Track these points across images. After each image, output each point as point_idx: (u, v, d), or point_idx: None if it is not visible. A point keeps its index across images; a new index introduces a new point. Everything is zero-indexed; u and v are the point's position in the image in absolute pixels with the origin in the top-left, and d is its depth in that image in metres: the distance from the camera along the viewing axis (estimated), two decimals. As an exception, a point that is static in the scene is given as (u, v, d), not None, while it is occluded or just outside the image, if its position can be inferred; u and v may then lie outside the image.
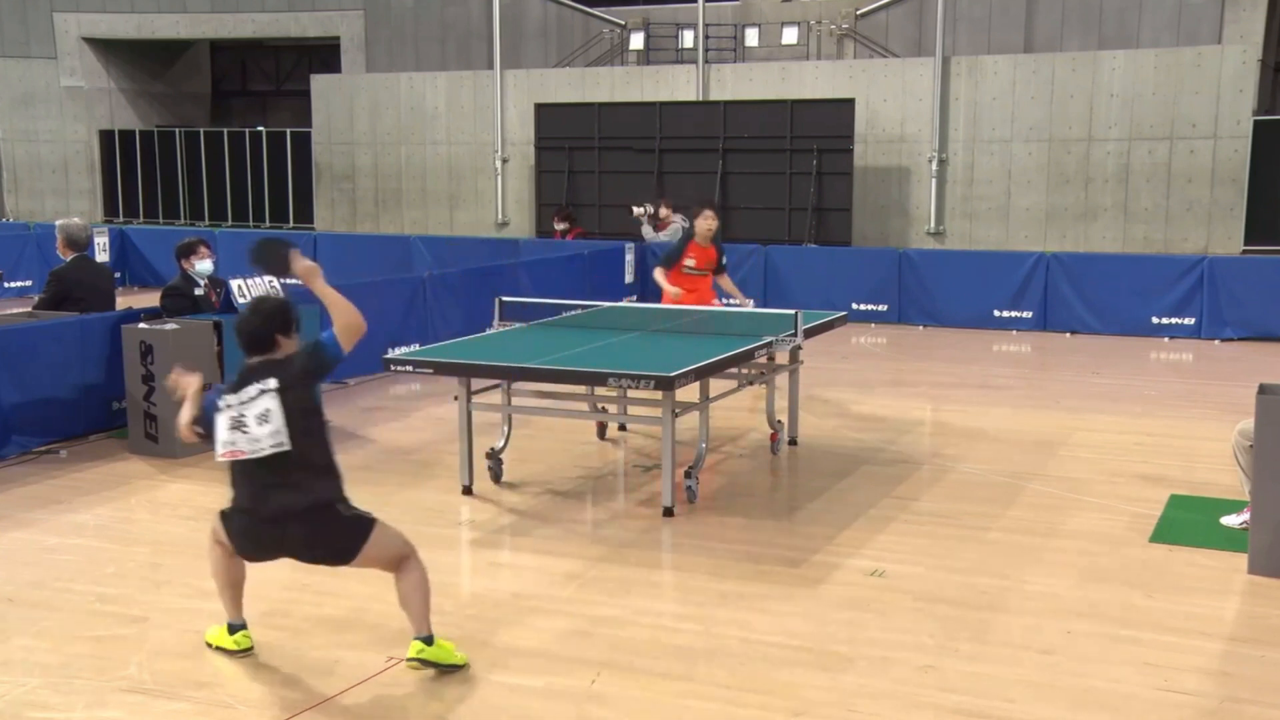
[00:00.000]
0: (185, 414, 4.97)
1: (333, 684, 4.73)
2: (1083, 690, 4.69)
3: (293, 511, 4.69)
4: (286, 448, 4.61)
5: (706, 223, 10.18)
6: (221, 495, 7.78)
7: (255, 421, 4.63)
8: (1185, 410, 9.88)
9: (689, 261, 10.13)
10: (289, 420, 4.62)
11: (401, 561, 4.81)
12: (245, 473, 4.76)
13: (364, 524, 4.78)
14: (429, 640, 4.77)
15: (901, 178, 20.86)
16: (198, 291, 9.19)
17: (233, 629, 4.99)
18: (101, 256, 16.41)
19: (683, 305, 9.91)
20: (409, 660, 4.78)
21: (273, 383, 4.63)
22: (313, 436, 4.74)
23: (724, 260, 10.38)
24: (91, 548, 6.46)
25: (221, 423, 4.70)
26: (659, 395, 6.80)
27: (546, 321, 8.74)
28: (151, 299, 9.71)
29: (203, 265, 9.25)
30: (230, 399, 4.70)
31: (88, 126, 28.50)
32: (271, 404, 4.61)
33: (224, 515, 4.99)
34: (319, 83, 25.66)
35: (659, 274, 10.10)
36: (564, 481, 7.76)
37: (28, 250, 17.24)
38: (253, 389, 4.64)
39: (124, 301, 10.97)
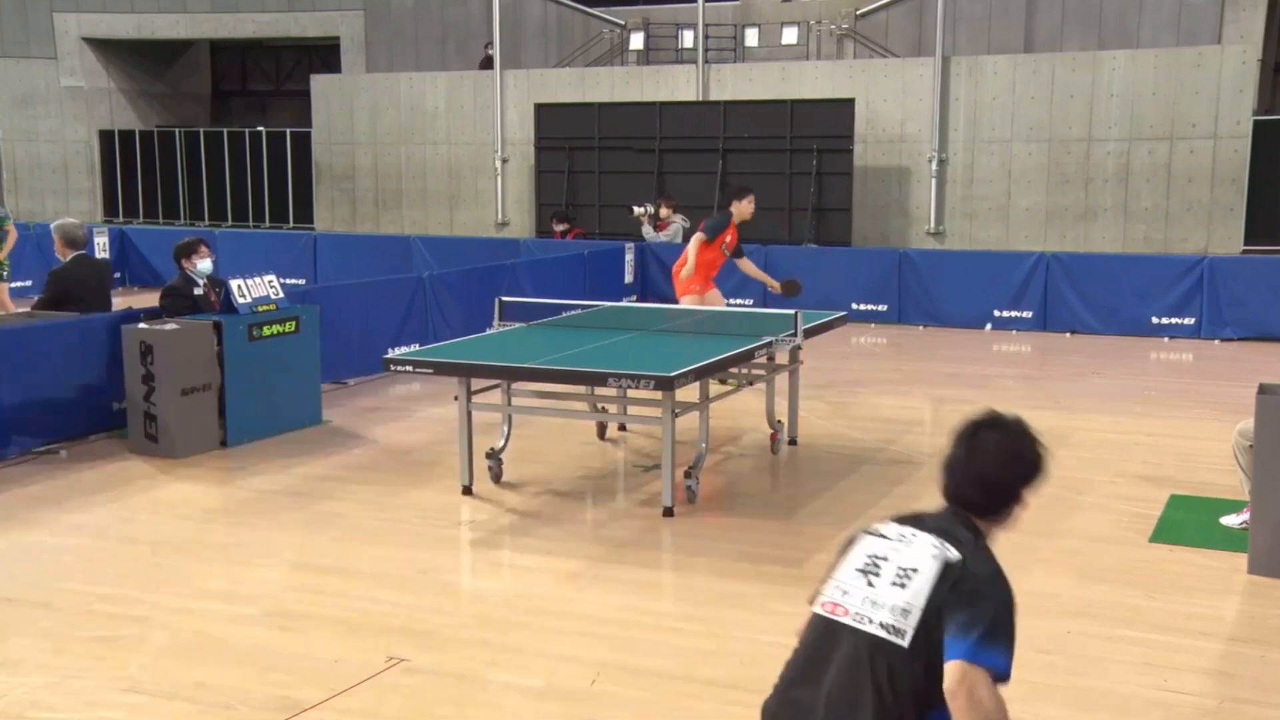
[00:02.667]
0: None
1: (333, 684, 4.73)
2: (1083, 690, 4.69)
3: None
4: (900, 645, 2.81)
5: (750, 206, 10.56)
6: (221, 495, 7.84)
7: (892, 577, 2.91)
8: (1185, 410, 9.88)
9: (726, 238, 10.52)
10: (925, 617, 2.82)
11: None
12: (811, 648, 3.03)
13: None
14: None
15: (901, 178, 20.86)
16: (197, 291, 9.20)
17: None
18: (101, 256, 16.41)
19: (692, 294, 10.32)
20: None
21: (954, 554, 2.89)
22: (929, 667, 2.81)
23: (742, 245, 10.77)
24: (91, 548, 6.46)
25: (854, 554, 3.07)
26: (659, 395, 6.80)
27: (546, 321, 8.74)
28: (152, 299, 9.71)
29: (203, 265, 9.26)
30: (888, 528, 3.07)
31: (88, 126, 28.49)
32: (926, 567, 2.88)
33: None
34: (319, 83, 25.65)
35: (695, 243, 10.31)
36: (564, 481, 7.76)
37: (28, 250, 17.22)
38: (923, 538, 2.95)
39: (124, 301, 10.99)
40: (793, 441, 8.63)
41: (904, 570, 2.87)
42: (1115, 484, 7.62)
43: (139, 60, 29.31)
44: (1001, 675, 2.79)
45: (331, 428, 9.25)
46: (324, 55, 28.96)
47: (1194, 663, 4.96)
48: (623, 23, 24.38)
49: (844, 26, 22.88)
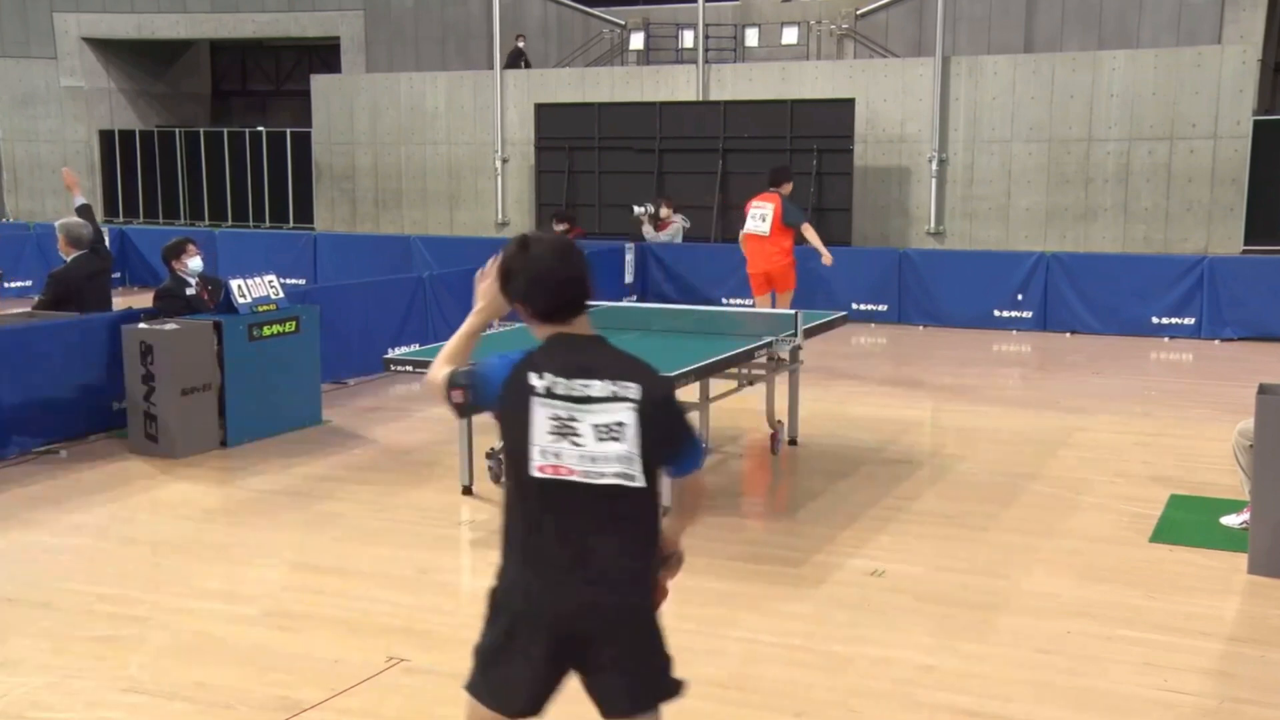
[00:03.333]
0: (453, 350, 3.49)
1: (333, 684, 4.73)
2: (1083, 690, 4.69)
3: (611, 605, 3.11)
4: (638, 484, 3.04)
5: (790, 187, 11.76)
6: (221, 495, 7.83)
7: (595, 434, 3.04)
8: (1185, 410, 9.88)
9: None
10: (644, 452, 3.04)
11: None
12: (553, 513, 3.09)
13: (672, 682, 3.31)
14: None
15: (901, 178, 20.85)
16: (189, 291, 9.20)
17: None
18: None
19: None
20: None
21: (634, 390, 3.04)
22: (653, 500, 3.14)
23: None
24: (91, 548, 6.46)
25: (538, 419, 3.07)
26: (659, 395, 6.79)
27: (546, 321, 8.73)
28: (151, 299, 9.71)
29: (193, 263, 9.26)
30: (554, 383, 3.08)
31: (88, 126, 28.49)
32: (628, 419, 3.03)
33: (480, 659, 3.34)
34: (319, 83, 25.65)
35: (808, 230, 11.70)
36: (564, 481, 7.76)
37: (28, 250, 17.24)
38: (598, 386, 3.05)
39: (123, 301, 10.98)
40: (793, 441, 8.63)
41: (607, 426, 3.02)
42: (1115, 484, 7.61)
43: (139, 60, 29.31)
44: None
45: (331, 428, 9.25)
46: (324, 55, 28.96)
47: (1194, 663, 4.96)
48: (623, 23, 24.38)
49: (844, 26, 22.88)
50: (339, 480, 7.80)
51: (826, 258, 11.95)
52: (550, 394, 3.06)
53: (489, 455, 7.65)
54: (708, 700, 4.62)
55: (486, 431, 8.04)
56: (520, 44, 24.15)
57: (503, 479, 3.25)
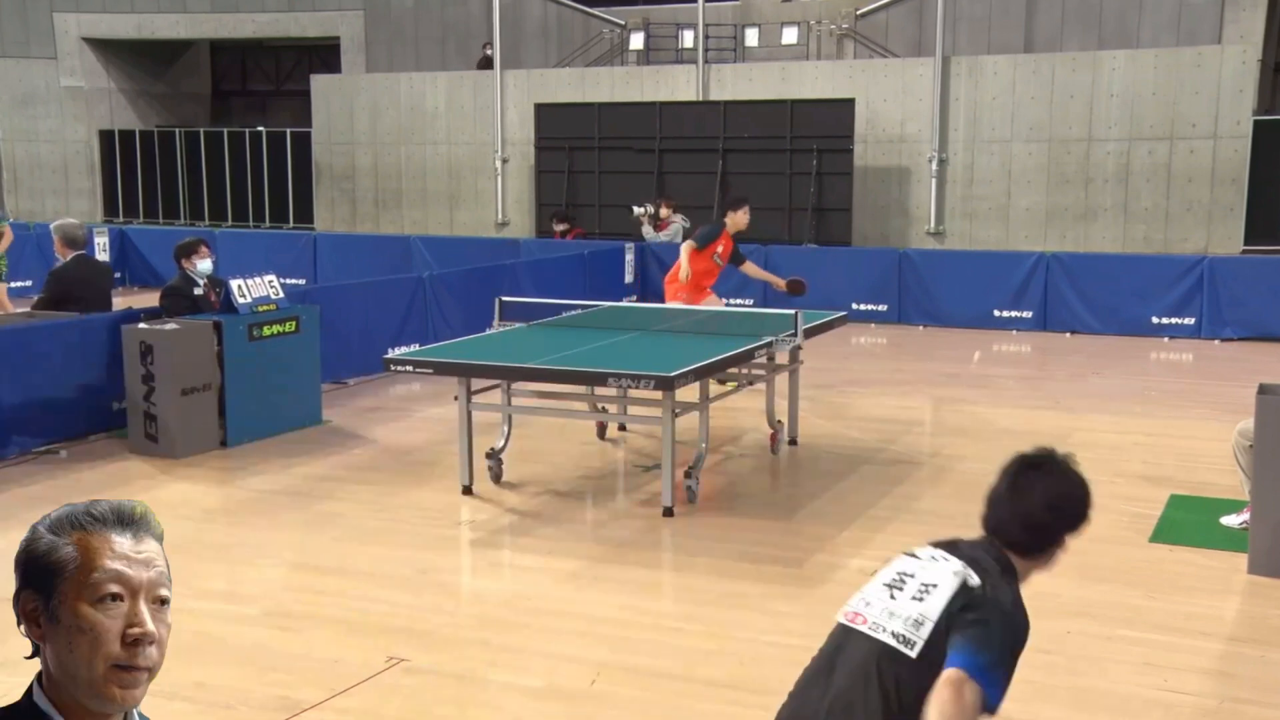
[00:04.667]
0: None
1: (333, 684, 4.73)
2: (1083, 690, 4.69)
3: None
4: (908, 654, 2.81)
5: (745, 217, 10.46)
6: (221, 495, 7.84)
7: (914, 590, 2.90)
8: (1185, 410, 9.88)
9: (719, 249, 10.34)
10: (936, 630, 2.81)
11: None
12: (823, 656, 3.06)
13: None
14: None
15: (901, 178, 20.85)
16: (197, 291, 9.20)
17: None
18: (101, 256, 16.39)
19: (680, 302, 10.01)
20: None
21: (974, 577, 2.87)
22: (935, 672, 2.75)
23: (740, 250, 10.66)
24: (91, 548, 6.45)
25: (885, 570, 3.04)
26: (659, 395, 6.80)
27: (546, 321, 8.74)
28: (151, 299, 9.71)
29: (203, 265, 9.26)
30: (921, 549, 3.04)
31: (88, 126, 28.49)
32: (945, 583, 2.87)
33: None
34: (319, 83, 25.65)
35: (686, 250, 10.19)
36: (564, 481, 7.76)
37: (28, 250, 17.23)
38: (948, 559, 2.93)
39: (124, 301, 10.99)
40: (793, 441, 8.63)
41: (925, 585, 2.87)
42: (1115, 484, 7.61)
43: (139, 60, 29.31)
44: (992, 707, 2.70)
45: (331, 428, 9.25)
46: (324, 55, 28.96)
47: (1194, 663, 4.96)
48: (623, 23, 24.38)
49: (844, 26, 22.88)
50: (339, 480, 7.80)
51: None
52: (912, 554, 3.02)
53: (489, 455, 7.65)
54: (708, 700, 4.62)
55: (487, 431, 8.05)
56: (488, 51, 24.15)
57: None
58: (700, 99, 21.68)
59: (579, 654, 5.04)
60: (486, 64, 24.00)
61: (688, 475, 7.19)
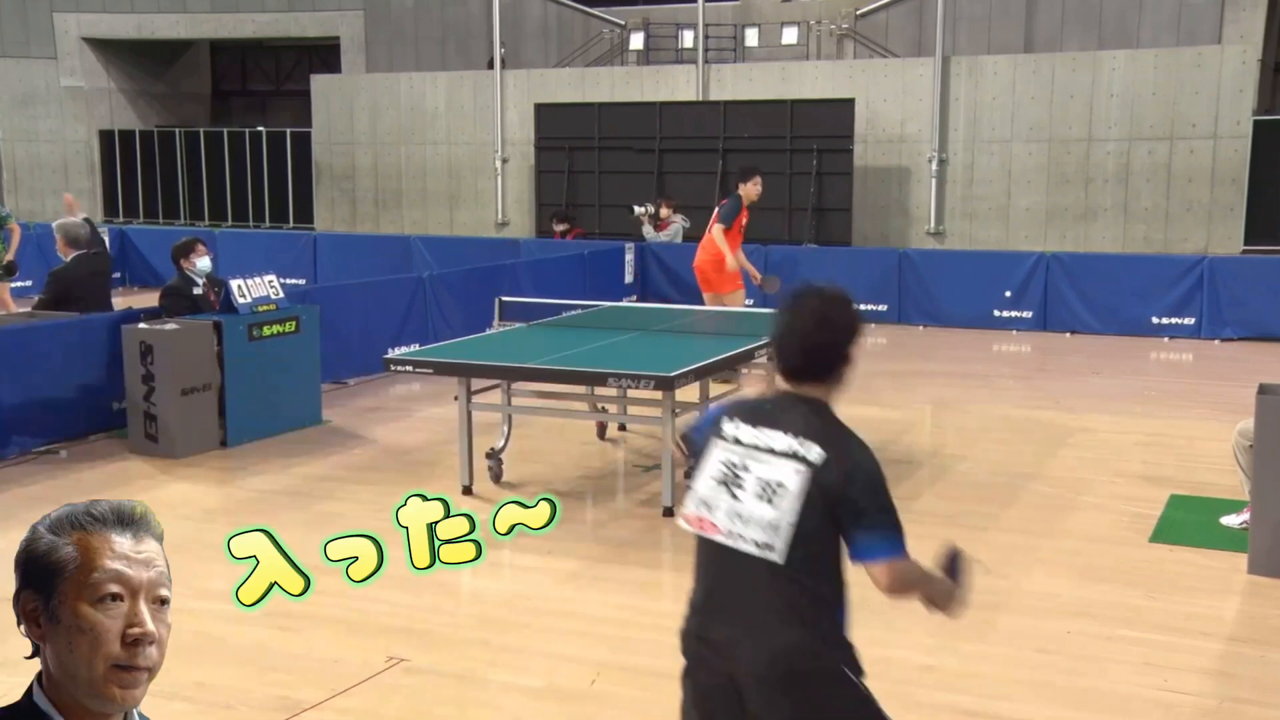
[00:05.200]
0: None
1: (333, 684, 4.73)
2: (1083, 690, 4.69)
3: (757, 667, 2.89)
4: (775, 559, 2.84)
5: (757, 188, 10.94)
6: (221, 495, 7.84)
7: (755, 488, 2.88)
8: (1185, 410, 9.88)
9: (743, 221, 10.93)
10: (800, 521, 2.83)
11: None
12: (707, 567, 3.02)
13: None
14: None
15: (901, 178, 20.85)
16: (196, 291, 9.20)
17: None
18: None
19: (721, 288, 10.76)
20: None
21: (815, 453, 2.86)
22: (814, 571, 2.90)
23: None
24: (91, 548, 6.45)
25: (711, 462, 3.00)
26: (659, 395, 6.80)
27: (546, 321, 8.74)
28: (152, 299, 9.71)
29: (201, 264, 9.27)
30: (741, 429, 2.99)
31: (88, 126, 28.49)
32: (792, 483, 2.85)
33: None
34: (319, 83, 25.65)
35: (720, 233, 10.73)
36: (564, 481, 7.76)
37: (28, 250, 17.19)
38: (780, 439, 2.91)
39: (124, 301, 10.98)
40: (793, 441, 8.62)
41: (768, 485, 2.85)
42: (1115, 484, 7.61)
43: (139, 60, 29.30)
44: (905, 553, 2.88)
45: (331, 428, 9.25)
46: (324, 55, 28.96)
47: (1194, 663, 4.96)
48: (623, 23, 24.38)
49: (844, 26, 22.88)
50: (339, 480, 7.80)
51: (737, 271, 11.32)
52: (736, 441, 2.96)
53: (489, 455, 7.65)
54: (708, 700, 4.62)
55: (487, 432, 8.05)
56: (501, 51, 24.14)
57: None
58: (700, 99, 21.68)
59: (579, 654, 5.04)
60: (503, 63, 23.94)
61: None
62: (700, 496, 2.95)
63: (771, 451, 2.88)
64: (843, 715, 2.96)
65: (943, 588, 3.01)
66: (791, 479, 2.83)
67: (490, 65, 23.87)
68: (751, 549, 2.83)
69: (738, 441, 2.94)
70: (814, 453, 2.85)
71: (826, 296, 3.07)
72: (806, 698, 2.88)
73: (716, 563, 2.93)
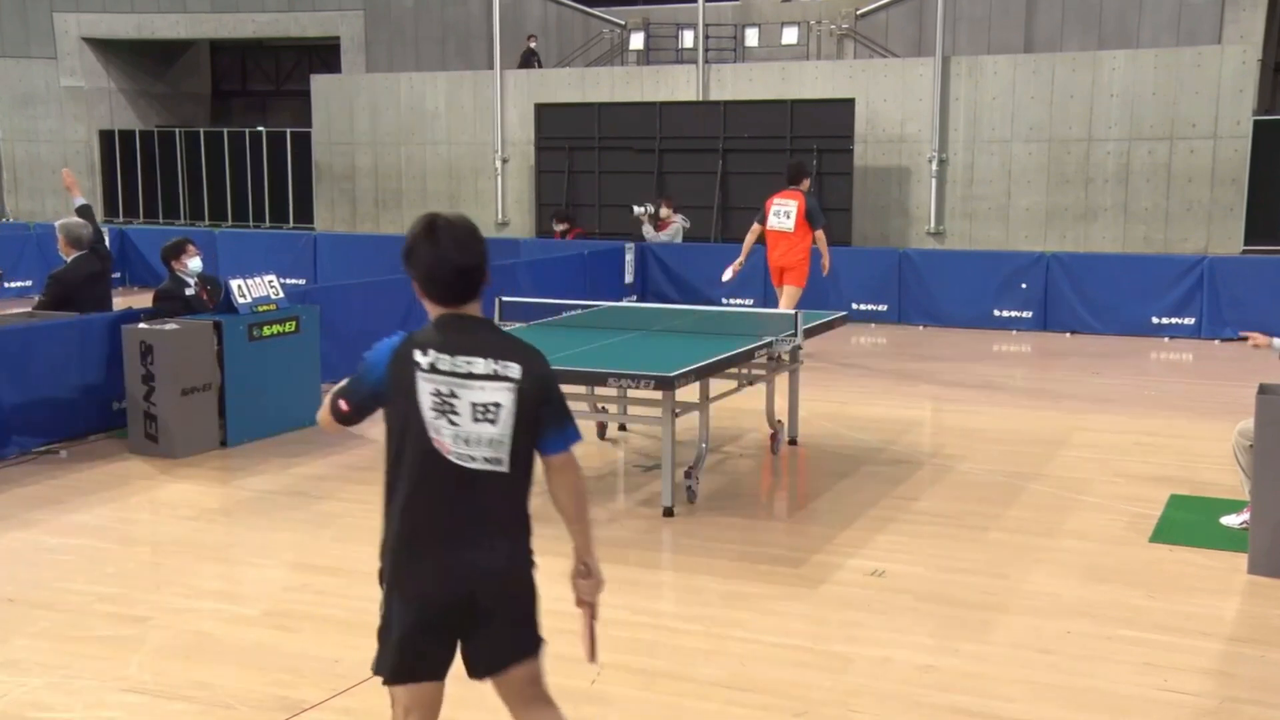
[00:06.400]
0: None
1: (333, 684, 4.73)
2: (1083, 690, 4.69)
3: (490, 569, 3.25)
4: (503, 469, 3.17)
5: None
6: (221, 495, 7.83)
7: (472, 413, 3.13)
8: (1185, 410, 9.88)
9: None
10: (516, 434, 3.16)
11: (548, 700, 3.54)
12: (433, 486, 3.18)
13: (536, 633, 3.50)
14: None
15: (901, 178, 20.86)
16: (189, 292, 9.20)
17: None
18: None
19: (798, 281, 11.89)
20: None
21: (514, 370, 3.15)
22: (527, 472, 3.27)
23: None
24: (91, 548, 6.46)
25: (422, 395, 3.17)
26: (659, 395, 6.80)
27: (546, 321, 8.74)
28: (151, 299, 9.71)
29: (193, 264, 9.26)
30: (438, 359, 3.18)
31: (88, 126, 28.50)
32: (505, 400, 3.14)
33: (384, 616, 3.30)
34: (319, 83, 25.66)
35: (821, 238, 12.03)
36: (564, 481, 7.75)
37: (28, 250, 17.24)
38: (480, 363, 3.15)
39: (124, 301, 10.98)
40: (793, 441, 8.63)
41: (484, 407, 3.12)
42: (1115, 484, 7.61)
43: (139, 60, 29.32)
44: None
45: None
46: (324, 55, 28.97)
47: (1194, 663, 4.96)
48: (623, 23, 24.39)
49: (844, 26, 22.88)
50: (339, 480, 7.80)
51: (826, 267, 12.23)
52: (434, 369, 3.15)
53: (489, 455, 7.65)
54: (708, 700, 4.62)
55: (486, 431, 8.05)
56: (532, 44, 24.16)
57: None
58: (700, 99, 21.68)
59: (579, 654, 5.04)
60: (529, 57, 23.97)
61: (688, 475, 7.20)
62: (429, 422, 3.14)
63: (474, 376, 3.13)
64: (533, 601, 3.43)
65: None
66: (505, 398, 3.13)
67: (526, 62, 23.84)
68: (481, 465, 3.13)
69: (435, 369, 3.16)
70: (514, 370, 3.14)
71: (458, 224, 3.32)
72: (527, 590, 3.39)
73: (447, 486, 3.15)
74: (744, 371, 8.35)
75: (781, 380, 8.69)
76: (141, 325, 8.53)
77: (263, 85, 32.94)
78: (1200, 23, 20.62)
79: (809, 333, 8.27)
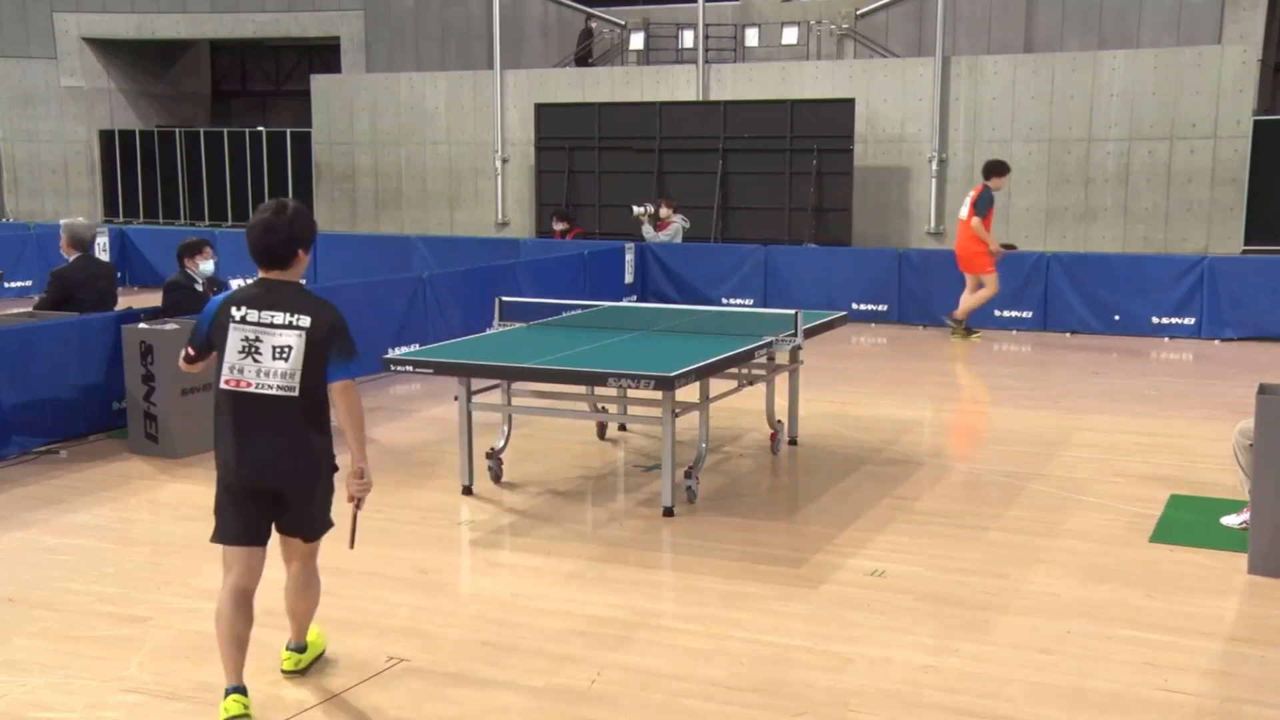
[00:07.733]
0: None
1: (333, 683, 4.73)
2: (1083, 690, 4.69)
3: (286, 460, 4.45)
4: (294, 394, 4.31)
5: (1003, 181, 13.31)
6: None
7: (271, 354, 4.30)
8: (1185, 410, 9.88)
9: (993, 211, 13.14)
10: (305, 369, 4.30)
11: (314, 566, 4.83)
12: (241, 413, 4.39)
13: (329, 508, 4.75)
14: (302, 649, 4.88)
15: (901, 178, 20.86)
16: (197, 288, 9.19)
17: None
18: (101, 256, 16.38)
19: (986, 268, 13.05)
20: (286, 672, 4.80)
21: (306, 321, 4.30)
22: (317, 398, 4.42)
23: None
24: (91, 548, 6.46)
25: (232, 341, 4.32)
26: (659, 395, 6.80)
27: (546, 321, 8.74)
28: (152, 299, 9.71)
29: (205, 266, 9.26)
30: (248, 313, 4.32)
31: (88, 126, 28.51)
32: (295, 343, 4.28)
33: (219, 506, 4.61)
34: (319, 83, 25.67)
35: (979, 224, 13.02)
36: (564, 481, 7.76)
37: (28, 250, 17.24)
38: (279, 316, 4.30)
39: (124, 301, 10.98)
40: (793, 441, 8.63)
41: (280, 348, 4.29)
42: (1115, 484, 7.62)
43: (139, 60, 29.32)
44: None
45: (331, 428, 9.23)
46: (324, 55, 28.98)
47: (1194, 663, 4.96)
48: (623, 23, 24.39)
49: (844, 26, 22.89)
50: (338, 480, 7.78)
51: (993, 253, 13.27)
52: (244, 321, 4.30)
53: (489, 455, 7.66)
54: (708, 700, 4.62)
55: (487, 431, 8.06)
56: (591, 24, 24.17)
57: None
58: (700, 99, 21.68)
59: (579, 654, 5.04)
60: (585, 36, 24.03)
61: (688, 475, 7.19)
62: (230, 364, 4.32)
63: (274, 325, 4.30)
64: (329, 492, 4.68)
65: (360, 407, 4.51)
66: (295, 341, 4.29)
67: (583, 39, 23.87)
68: (276, 391, 4.30)
69: (245, 321, 4.30)
70: (305, 321, 4.30)
71: (278, 208, 4.36)
72: (326, 483, 4.64)
73: (252, 409, 4.34)
74: (744, 371, 8.35)
75: (781, 380, 8.69)
76: (141, 325, 8.53)
77: (263, 85, 32.95)
78: (1200, 23, 20.63)
79: (809, 333, 8.26)
